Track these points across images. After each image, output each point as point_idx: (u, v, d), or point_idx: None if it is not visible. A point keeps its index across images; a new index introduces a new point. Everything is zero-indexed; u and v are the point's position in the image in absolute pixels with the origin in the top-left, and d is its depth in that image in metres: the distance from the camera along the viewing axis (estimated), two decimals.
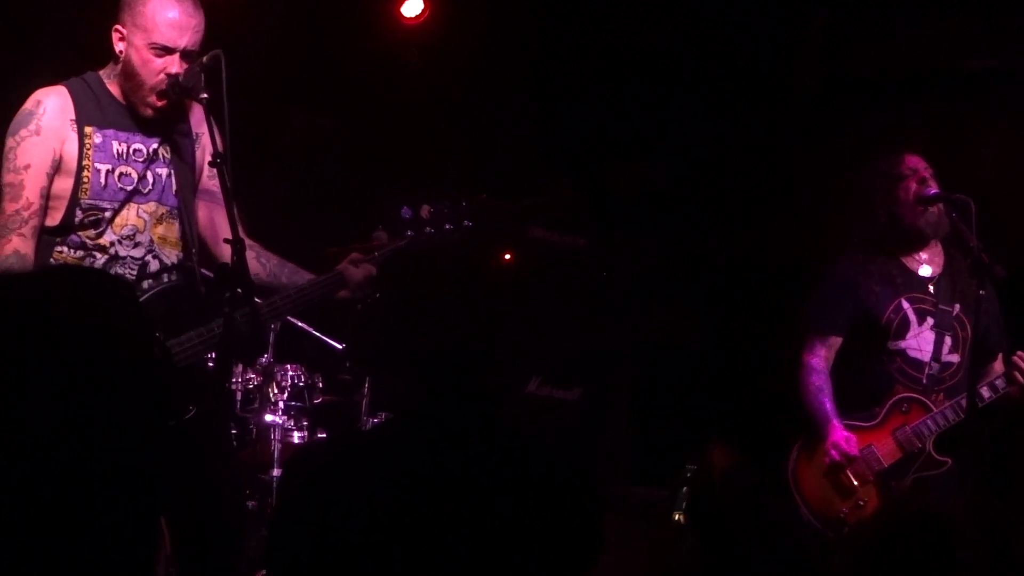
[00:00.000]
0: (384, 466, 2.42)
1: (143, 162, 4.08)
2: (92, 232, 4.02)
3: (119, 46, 4.01)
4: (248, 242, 3.96)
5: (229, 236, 3.71)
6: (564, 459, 2.51)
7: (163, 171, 4.11)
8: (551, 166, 7.02)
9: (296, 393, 5.31)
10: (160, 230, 4.11)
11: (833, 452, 4.90)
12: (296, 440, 5.26)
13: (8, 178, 3.97)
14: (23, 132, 3.98)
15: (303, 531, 2.39)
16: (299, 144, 6.86)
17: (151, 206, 4.09)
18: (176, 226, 4.14)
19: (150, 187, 4.09)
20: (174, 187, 4.13)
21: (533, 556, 2.37)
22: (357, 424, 5.43)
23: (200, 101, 3.89)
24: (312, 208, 6.50)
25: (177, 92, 3.96)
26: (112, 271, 4.00)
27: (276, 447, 5.23)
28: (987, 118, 6.40)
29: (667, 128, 7.00)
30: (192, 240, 4.16)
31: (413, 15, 6.45)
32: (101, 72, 4.10)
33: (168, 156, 4.12)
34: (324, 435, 5.40)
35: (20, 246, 3.94)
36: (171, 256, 4.12)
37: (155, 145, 4.11)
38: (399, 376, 2.51)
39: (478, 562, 2.35)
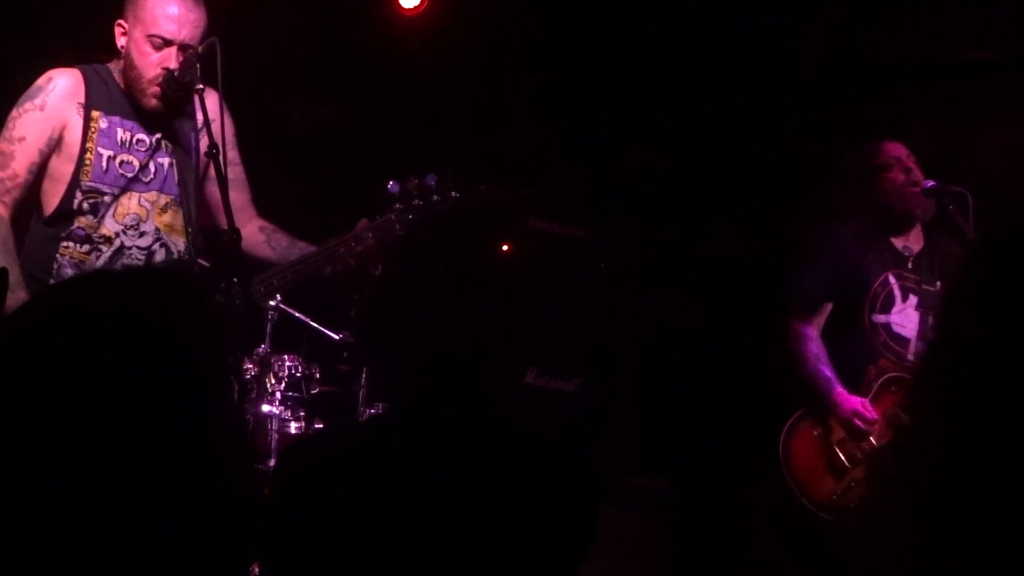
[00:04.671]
0: (378, 458, 2.41)
1: (145, 152, 4.14)
2: (93, 220, 4.07)
3: (121, 41, 4.14)
4: (260, 224, 4.12)
5: (248, 217, 3.77)
6: (559, 450, 2.49)
7: (165, 160, 4.19)
8: (552, 156, 7.00)
9: (293, 383, 5.29)
10: (166, 218, 4.19)
11: (857, 422, 4.86)
12: (293, 431, 5.24)
13: (2, 146, 4.06)
14: (28, 105, 4.06)
15: (296, 523, 2.37)
16: (299, 134, 6.85)
17: (152, 195, 4.17)
18: (181, 214, 4.20)
19: (151, 176, 4.17)
20: (176, 176, 4.19)
21: (525, 548, 2.36)
22: (354, 415, 5.41)
23: (196, 92, 3.93)
24: (312, 198, 6.49)
25: (173, 87, 4.03)
26: (119, 263, 4.07)
27: (273, 438, 5.21)
28: (988, 110, 6.39)
29: (670, 116, 6.99)
30: (193, 228, 4.21)
31: (412, 5, 6.45)
32: (110, 64, 4.21)
33: (171, 147, 4.20)
34: (321, 426, 5.40)
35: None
36: (179, 243, 4.21)
37: (158, 137, 4.20)
38: (398, 366, 2.50)
39: (471, 554, 2.34)
